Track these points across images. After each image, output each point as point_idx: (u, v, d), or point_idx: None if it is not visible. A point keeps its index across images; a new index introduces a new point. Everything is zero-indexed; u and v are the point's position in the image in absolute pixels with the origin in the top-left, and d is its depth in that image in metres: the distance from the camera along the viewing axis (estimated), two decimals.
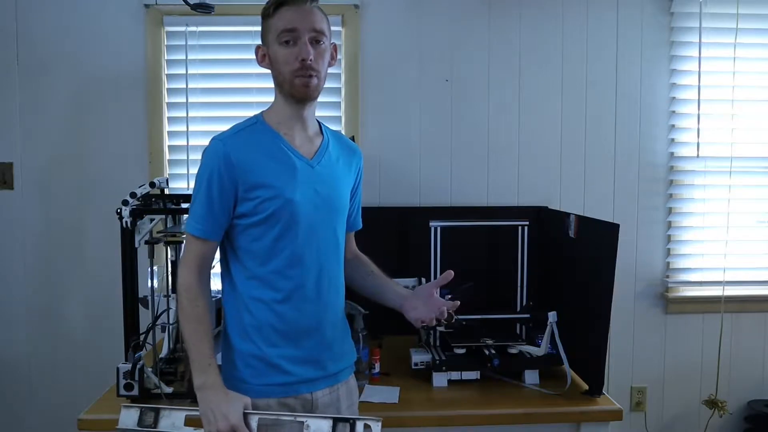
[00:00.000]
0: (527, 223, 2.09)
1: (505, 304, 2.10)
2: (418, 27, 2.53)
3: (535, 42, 2.57)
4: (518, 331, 2.09)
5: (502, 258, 2.17)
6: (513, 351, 1.97)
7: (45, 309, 2.51)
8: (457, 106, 2.56)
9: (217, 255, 1.47)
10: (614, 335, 2.25)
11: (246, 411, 1.30)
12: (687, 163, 2.63)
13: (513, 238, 2.08)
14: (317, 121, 1.53)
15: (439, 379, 1.92)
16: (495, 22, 2.56)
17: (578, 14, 2.57)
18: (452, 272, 1.50)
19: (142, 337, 1.77)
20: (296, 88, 1.40)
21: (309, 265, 1.42)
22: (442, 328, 1.99)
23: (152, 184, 1.90)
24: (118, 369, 1.70)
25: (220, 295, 1.50)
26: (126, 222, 1.72)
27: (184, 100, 2.49)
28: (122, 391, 1.69)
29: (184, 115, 2.49)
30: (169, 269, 2.03)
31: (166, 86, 2.52)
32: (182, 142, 2.50)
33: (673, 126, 2.62)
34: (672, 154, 2.63)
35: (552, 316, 1.84)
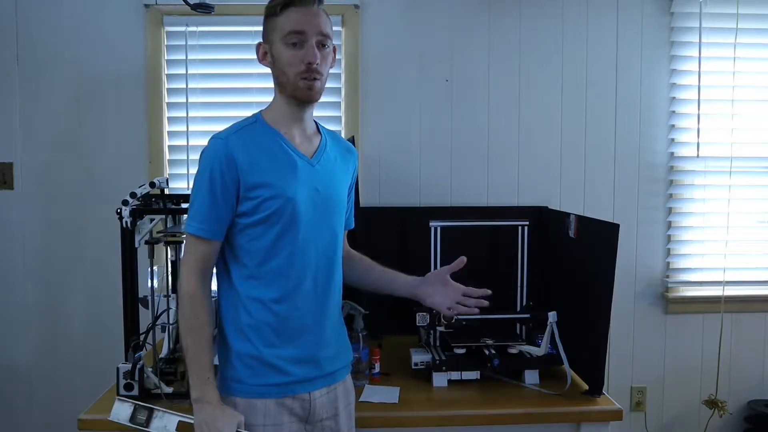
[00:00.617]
0: (527, 223, 2.09)
1: (505, 304, 2.10)
2: (418, 27, 2.53)
3: (535, 42, 2.57)
4: (518, 331, 2.09)
5: (502, 258, 2.16)
6: (513, 351, 1.97)
7: (45, 309, 2.51)
8: (457, 106, 2.56)
9: None
10: (614, 335, 2.25)
11: (239, 430, 1.32)
12: (687, 163, 2.63)
13: (513, 238, 2.08)
14: (314, 121, 1.53)
15: (439, 379, 1.91)
16: (495, 22, 2.56)
17: (578, 14, 2.57)
18: (465, 258, 1.51)
19: (142, 337, 1.76)
20: (300, 91, 1.39)
21: (308, 264, 1.41)
22: (442, 328, 1.99)
23: (152, 184, 1.90)
24: (118, 369, 1.70)
25: (215, 296, 1.49)
26: (126, 222, 1.72)
27: (184, 100, 2.49)
28: (122, 391, 1.69)
29: (184, 115, 2.49)
30: (169, 269, 2.03)
31: (166, 86, 2.52)
32: (182, 142, 2.50)
33: (673, 126, 2.62)
34: (672, 154, 2.63)
35: (552, 316, 1.84)
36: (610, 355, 2.26)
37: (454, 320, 1.94)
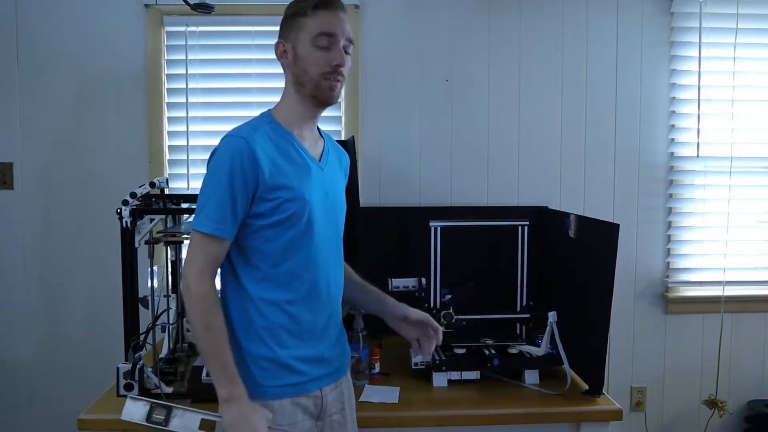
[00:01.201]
0: (527, 223, 2.08)
1: (505, 304, 2.10)
2: (418, 27, 2.53)
3: (535, 42, 2.57)
4: (518, 331, 2.09)
5: (502, 258, 2.16)
6: (513, 351, 1.97)
7: (45, 309, 2.51)
8: (457, 106, 2.56)
9: None
10: (614, 335, 2.25)
11: (270, 426, 1.31)
12: (687, 163, 2.63)
13: (513, 238, 2.08)
14: None
15: (439, 379, 1.91)
16: (495, 22, 2.56)
17: (578, 14, 2.57)
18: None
19: (142, 337, 1.77)
20: (321, 91, 1.39)
21: (321, 265, 1.42)
22: (442, 328, 1.98)
23: (152, 184, 1.90)
24: (118, 369, 1.70)
25: None
26: (126, 222, 1.72)
27: (184, 100, 2.49)
28: (122, 391, 1.69)
29: (184, 115, 2.48)
30: (169, 269, 2.03)
31: (166, 86, 2.52)
32: (182, 142, 2.50)
33: (673, 126, 2.62)
34: (672, 154, 2.63)
35: (552, 316, 1.84)
36: (610, 355, 2.26)
37: (454, 320, 1.95)
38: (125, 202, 1.74)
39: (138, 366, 1.69)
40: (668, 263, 2.65)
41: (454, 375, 1.91)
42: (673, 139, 2.62)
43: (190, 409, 1.33)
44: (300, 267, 1.39)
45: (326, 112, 2.46)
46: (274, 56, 1.44)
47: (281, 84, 1.46)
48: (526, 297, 2.08)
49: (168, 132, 2.53)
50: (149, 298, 1.85)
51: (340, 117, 2.54)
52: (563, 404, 1.78)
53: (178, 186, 2.49)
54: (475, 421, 1.74)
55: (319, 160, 1.46)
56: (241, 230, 1.37)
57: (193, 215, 1.37)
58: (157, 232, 1.91)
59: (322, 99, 1.41)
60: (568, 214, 2.08)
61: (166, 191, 2.10)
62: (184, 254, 1.48)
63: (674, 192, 2.64)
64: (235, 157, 1.32)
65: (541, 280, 2.27)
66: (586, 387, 1.85)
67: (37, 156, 2.48)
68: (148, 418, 1.30)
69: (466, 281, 2.15)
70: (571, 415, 1.75)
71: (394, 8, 2.53)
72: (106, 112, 2.49)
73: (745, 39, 2.59)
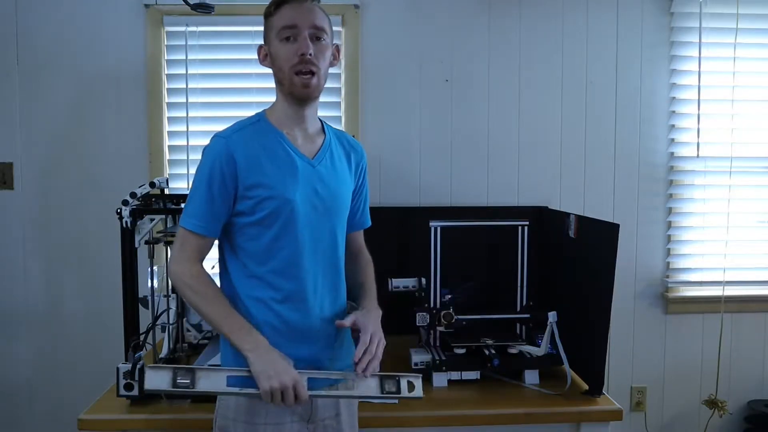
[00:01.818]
0: (527, 223, 2.08)
1: (505, 304, 2.10)
2: (418, 27, 2.53)
3: (535, 42, 2.57)
4: (518, 331, 2.09)
5: (502, 258, 2.16)
6: (513, 351, 1.97)
7: (45, 309, 2.51)
8: (457, 106, 2.56)
9: (216, 254, 1.47)
10: (614, 335, 2.25)
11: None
12: (687, 163, 2.63)
13: (513, 238, 2.08)
14: (319, 119, 1.53)
15: (439, 379, 1.91)
16: (495, 22, 2.56)
17: (578, 14, 2.57)
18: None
19: (142, 337, 1.77)
20: (296, 87, 1.39)
21: (308, 265, 1.41)
22: (442, 328, 1.98)
23: (152, 184, 1.90)
24: (118, 369, 1.70)
25: None
26: (126, 222, 1.72)
27: (184, 100, 2.49)
28: (122, 391, 1.69)
29: (184, 115, 2.48)
30: None
31: (166, 86, 2.52)
32: (182, 142, 2.50)
33: (673, 126, 2.62)
34: (672, 154, 2.63)
35: (552, 316, 1.84)
36: (610, 355, 2.27)
37: (454, 320, 1.95)
38: (125, 202, 1.74)
39: (138, 366, 1.69)
40: (668, 263, 2.65)
41: (454, 375, 1.92)
42: (673, 139, 2.62)
43: (214, 368, 1.32)
44: (284, 266, 1.39)
45: (326, 112, 2.51)
46: None
47: None
48: (526, 297, 2.08)
49: (168, 132, 2.53)
50: (149, 298, 1.85)
51: (340, 117, 2.54)
52: (563, 404, 1.78)
53: (178, 186, 2.49)
54: (475, 421, 1.74)
55: (313, 157, 1.45)
56: (228, 228, 1.40)
57: None
58: (157, 232, 1.91)
59: (297, 95, 1.41)
60: (568, 214, 2.08)
61: (166, 191, 2.10)
62: None
63: (674, 192, 2.64)
64: (214, 156, 1.37)
65: (541, 281, 2.27)
66: (586, 387, 1.85)
67: (37, 156, 2.48)
68: (173, 383, 1.27)
69: (466, 281, 2.15)
70: (571, 415, 1.75)
71: (394, 8, 2.53)
72: (106, 112, 2.49)
73: (745, 39, 2.59)
